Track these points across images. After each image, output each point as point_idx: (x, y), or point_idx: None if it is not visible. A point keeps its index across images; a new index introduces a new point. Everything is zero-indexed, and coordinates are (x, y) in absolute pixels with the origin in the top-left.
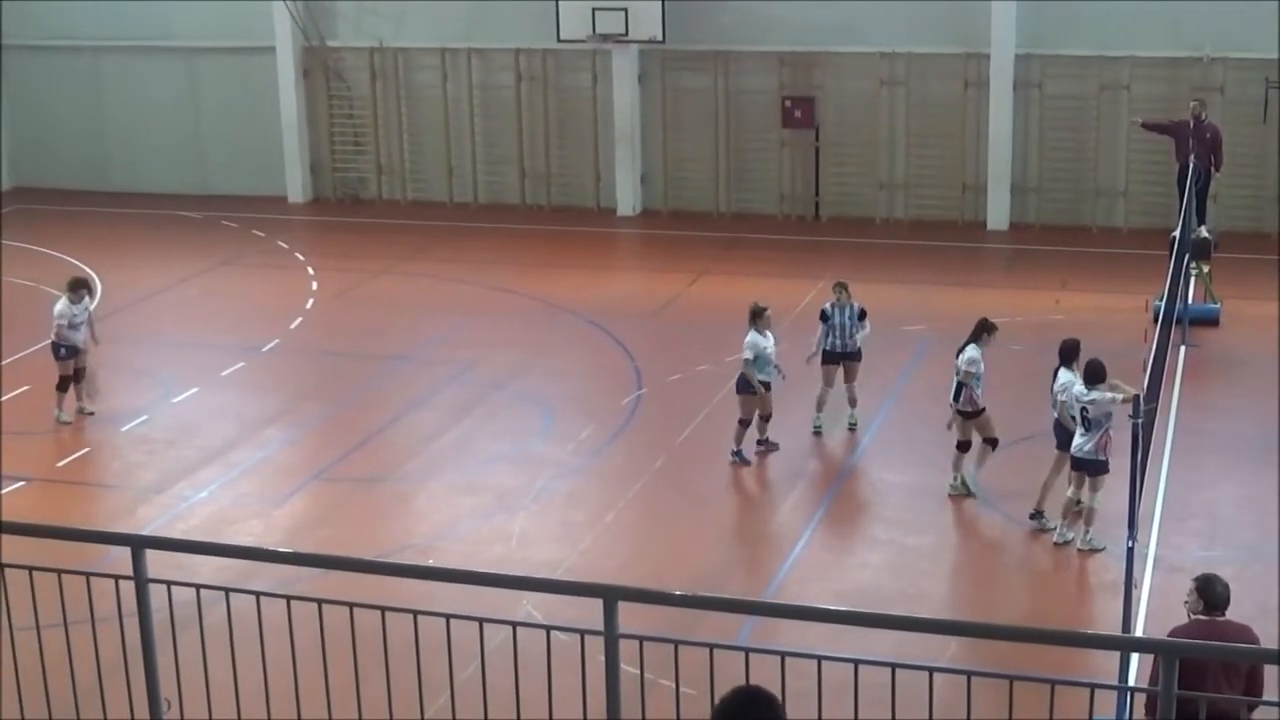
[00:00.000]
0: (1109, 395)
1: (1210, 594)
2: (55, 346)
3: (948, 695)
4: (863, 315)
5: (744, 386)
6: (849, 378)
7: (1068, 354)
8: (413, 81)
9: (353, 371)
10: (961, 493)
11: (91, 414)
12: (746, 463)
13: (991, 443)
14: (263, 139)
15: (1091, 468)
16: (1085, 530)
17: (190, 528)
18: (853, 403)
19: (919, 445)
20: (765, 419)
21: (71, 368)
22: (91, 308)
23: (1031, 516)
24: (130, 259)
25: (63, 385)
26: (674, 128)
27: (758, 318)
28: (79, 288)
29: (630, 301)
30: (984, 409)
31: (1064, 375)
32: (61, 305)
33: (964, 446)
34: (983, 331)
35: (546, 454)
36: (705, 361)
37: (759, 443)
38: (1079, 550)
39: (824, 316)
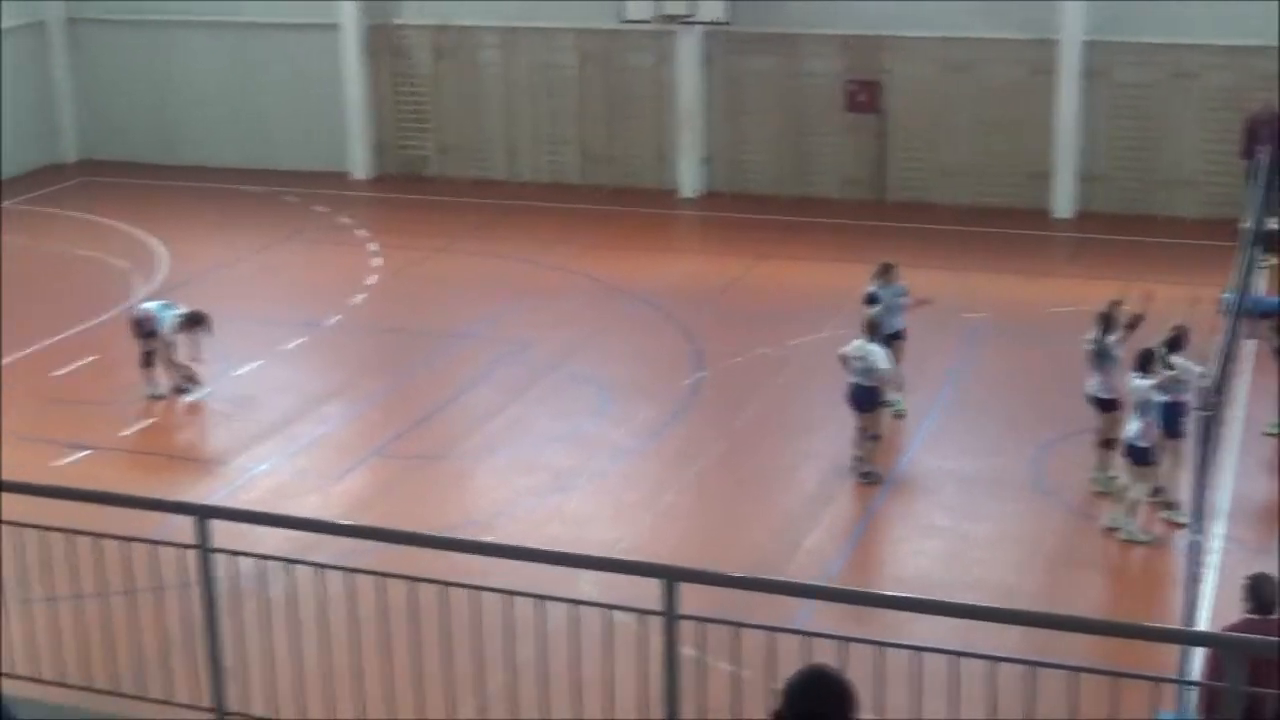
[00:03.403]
0: (1148, 381)
1: (1260, 593)
2: (138, 324)
3: (1009, 685)
4: (905, 294)
5: (876, 400)
6: (897, 359)
7: (1172, 343)
8: (476, 60)
9: (413, 348)
10: (1105, 489)
11: (163, 396)
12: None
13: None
14: (327, 115)
15: (1137, 456)
16: (1129, 520)
17: (251, 500)
18: (899, 387)
19: (978, 432)
20: (874, 438)
21: (152, 344)
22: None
23: (1166, 508)
24: (194, 233)
25: (146, 360)
26: (737, 110)
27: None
28: (199, 324)
29: (691, 283)
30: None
31: (1180, 361)
32: (171, 325)
33: (1110, 444)
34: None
35: (604, 434)
36: (766, 345)
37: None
38: (1121, 541)
39: (872, 299)
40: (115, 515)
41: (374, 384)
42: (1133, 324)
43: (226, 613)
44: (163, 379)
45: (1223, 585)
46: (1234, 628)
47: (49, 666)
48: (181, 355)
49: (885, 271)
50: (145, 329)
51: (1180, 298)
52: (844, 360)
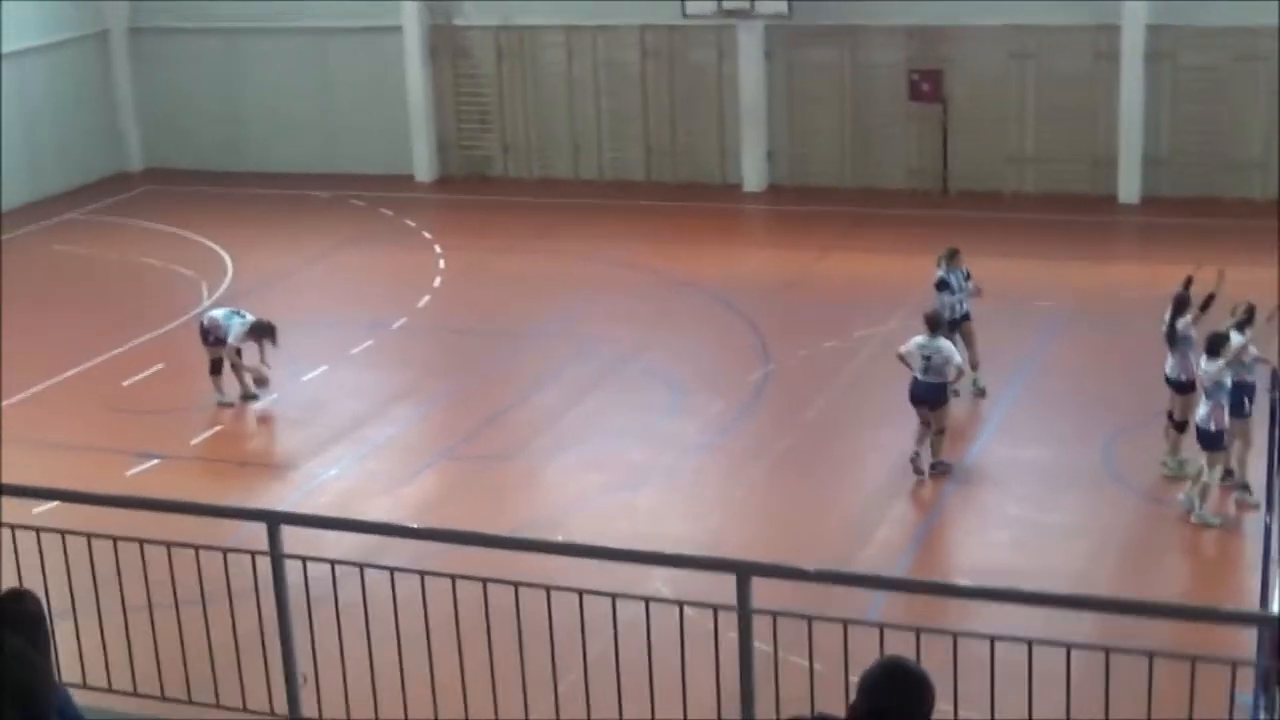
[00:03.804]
0: (1218, 364)
1: None
2: (205, 332)
3: (1084, 673)
4: (968, 277)
5: (944, 395)
6: (969, 342)
7: (1241, 321)
8: (538, 59)
9: (480, 349)
10: (1175, 473)
11: (231, 403)
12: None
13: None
14: (390, 118)
15: (1206, 440)
16: (1200, 504)
17: (321, 505)
18: (975, 365)
19: (1049, 421)
20: (940, 432)
21: (219, 353)
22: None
23: (1238, 490)
24: (260, 238)
25: (215, 368)
26: (800, 103)
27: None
28: (266, 335)
29: (757, 277)
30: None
31: (1235, 338)
32: (238, 333)
33: (1182, 427)
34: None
35: (674, 430)
36: (832, 338)
37: (935, 464)
38: (1192, 524)
39: (944, 285)
40: (184, 523)
41: (441, 386)
42: (1206, 304)
43: (298, 619)
44: (231, 386)
45: None
46: None
47: (120, 676)
48: (248, 362)
49: (952, 256)
50: (213, 336)
51: (1247, 280)
52: (906, 359)
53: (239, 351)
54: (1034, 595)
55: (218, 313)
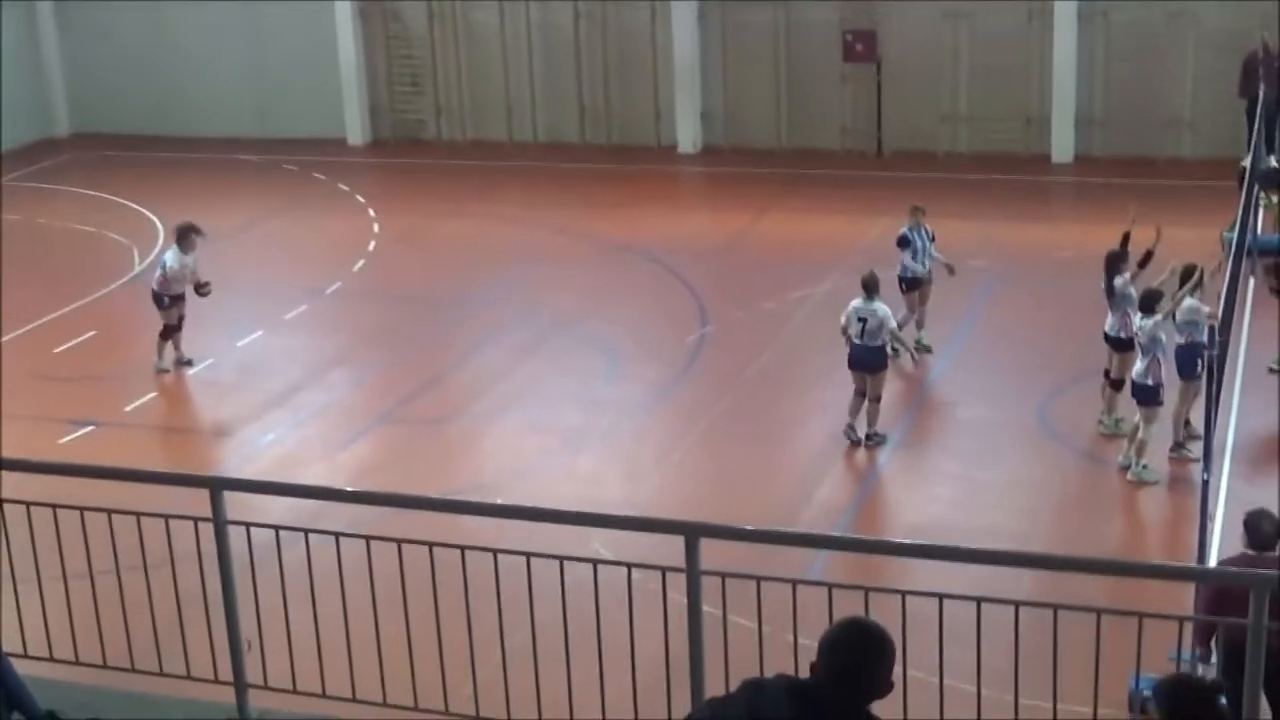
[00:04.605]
0: (1154, 319)
1: (1256, 532)
2: (158, 296)
3: (1027, 630)
4: (932, 239)
5: (883, 359)
6: (923, 300)
7: (1196, 284)
8: (470, 22)
9: (416, 313)
10: (1111, 431)
11: (189, 363)
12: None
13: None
14: (321, 81)
15: (1143, 395)
16: (1137, 461)
17: (258, 470)
18: (920, 324)
19: (986, 380)
20: (875, 400)
21: (175, 316)
22: (194, 267)
23: (1172, 449)
24: (191, 203)
25: (165, 334)
26: (734, 64)
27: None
28: (191, 234)
29: (693, 239)
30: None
31: (1188, 301)
32: (172, 256)
33: (1119, 385)
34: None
35: (613, 393)
36: (769, 299)
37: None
38: (1129, 482)
39: (906, 241)
40: (119, 490)
41: (378, 350)
42: (1144, 261)
43: (241, 585)
44: (169, 354)
45: (1232, 521)
46: (1231, 561)
47: (62, 645)
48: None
49: (916, 213)
50: (166, 297)
51: (1180, 239)
52: (845, 328)
53: (184, 275)
54: (984, 553)
55: (166, 263)
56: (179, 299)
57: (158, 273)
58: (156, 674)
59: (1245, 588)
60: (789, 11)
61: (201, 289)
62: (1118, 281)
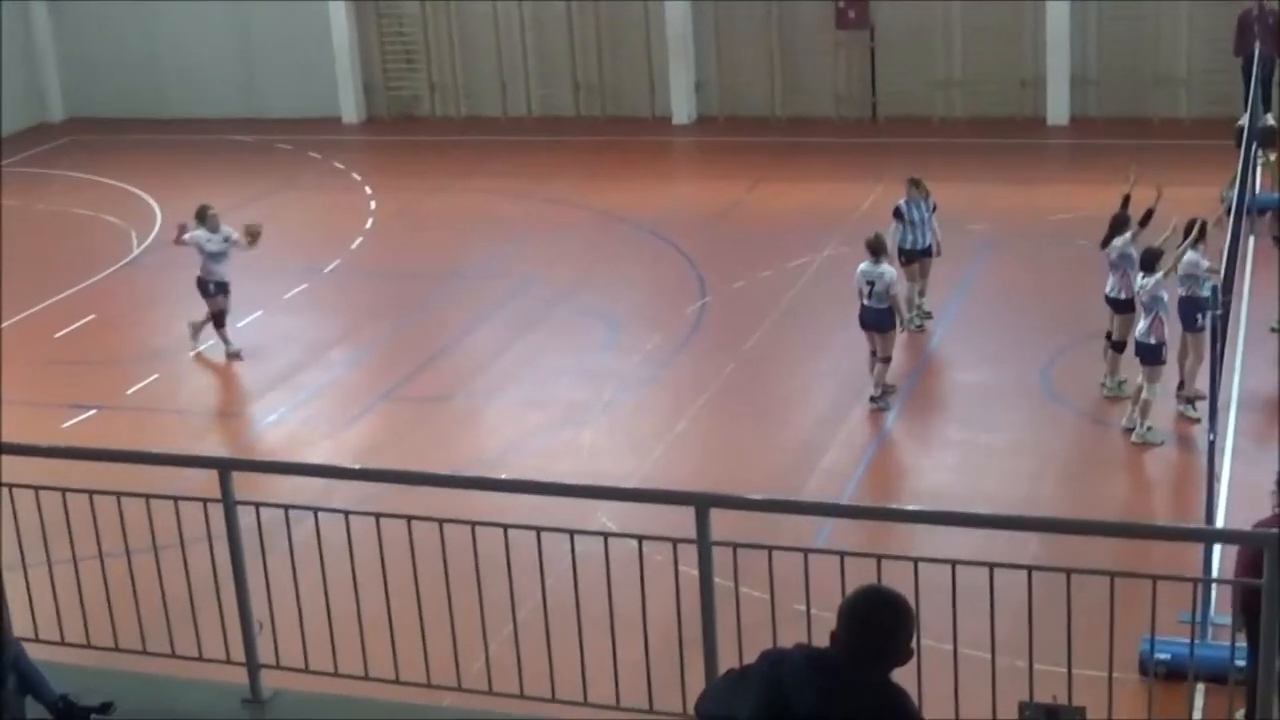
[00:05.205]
0: (1155, 278)
1: None
2: (202, 283)
3: (1039, 594)
4: (934, 210)
5: (890, 321)
6: (923, 273)
7: (1195, 238)
8: None
9: (415, 290)
10: (1114, 393)
11: (238, 353)
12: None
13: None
14: (314, 60)
15: (1146, 354)
16: (1141, 422)
17: (262, 451)
18: (922, 293)
19: (987, 344)
20: (885, 360)
21: (221, 304)
22: (233, 235)
23: (1183, 404)
24: (188, 185)
25: (218, 321)
26: (727, 34)
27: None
28: (208, 211)
29: (690, 210)
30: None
31: (1189, 255)
32: (202, 237)
33: (1121, 347)
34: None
35: (613, 366)
36: (767, 267)
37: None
38: (1133, 444)
39: (898, 214)
40: (125, 472)
41: (378, 328)
42: (1145, 220)
43: (252, 565)
44: (230, 335)
45: (1238, 482)
46: (1266, 523)
47: (73, 629)
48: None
49: (915, 186)
50: (207, 284)
51: (1178, 198)
52: (859, 290)
53: (227, 288)
54: (998, 518)
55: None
56: (224, 287)
57: (203, 270)
58: (169, 656)
59: None
60: None
61: (251, 236)
62: (1117, 242)
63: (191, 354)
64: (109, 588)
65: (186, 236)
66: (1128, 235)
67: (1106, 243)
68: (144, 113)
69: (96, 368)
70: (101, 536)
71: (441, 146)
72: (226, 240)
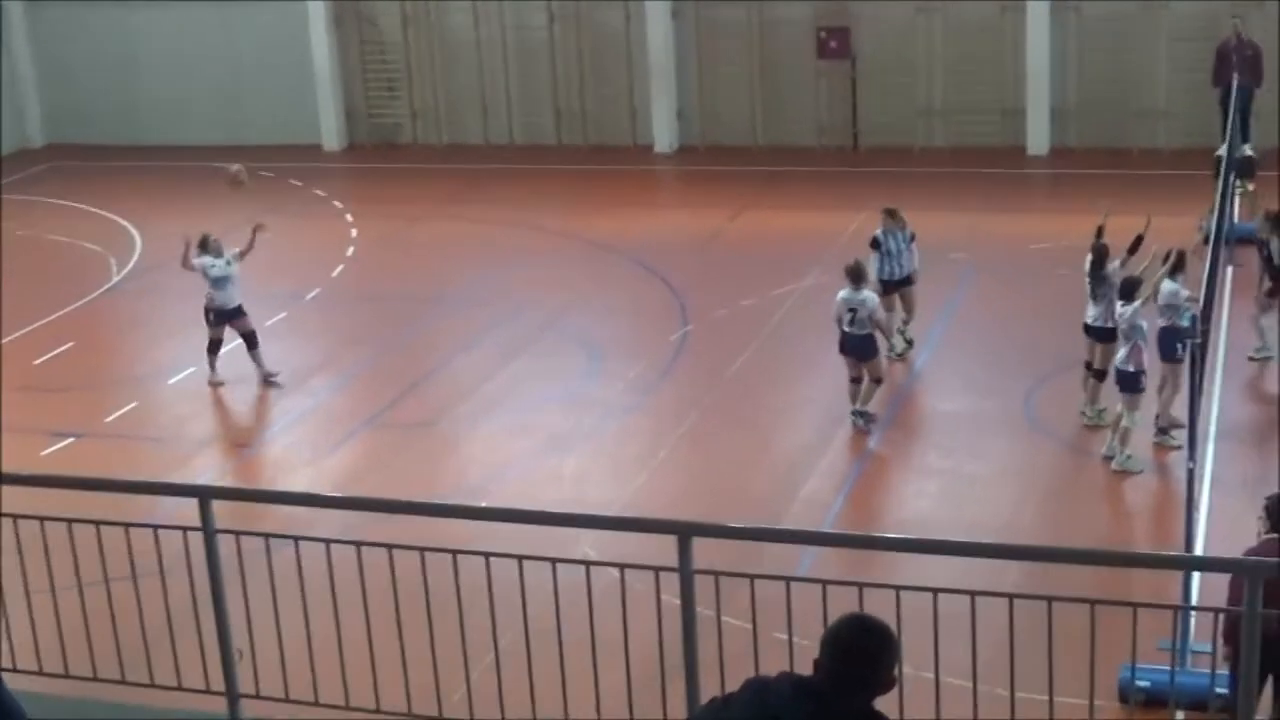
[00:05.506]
0: (1133, 306)
1: (1279, 515)
2: (205, 311)
3: (1020, 621)
4: (912, 239)
5: (874, 346)
6: (905, 302)
7: (1174, 267)
8: (445, 25)
9: (397, 317)
10: (1095, 422)
11: (274, 377)
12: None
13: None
14: (296, 87)
15: (1125, 382)
16: (1121, 450)
17: (243, 479)
18: (906, 321)
19: (968, 372)
20: (876, 382)
21: (222, 331)
22: (235, 254)
23: (1159, 434)
24: (168, 212)
25: (212, 348)
26: (709, 63)
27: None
28: (208, 239)
29: (672, 238)
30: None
31: (1167, 285)
32: (209, 263)
33: (1102, 375)
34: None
35: (596, 394)
36: (750, 296)
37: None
38: (1113, 471)
39: (875, 244)
40: (102, 500)
41: (360, 355)
42: (1133, 248)
43: (231, 594)
44: (262, 361)
45: (1217, 509)
46: (1257, 549)
47: (51, 659)
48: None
49: (890, 216)
50: (208, 312)
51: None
52: (837, 318)
53: (228, 315)
54: (981, 547)
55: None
56: (225, 315)
57: (210, 296)
58: (148, 685)
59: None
60: (762, 9)
61: (250, 246)
62: (1109, 269)
63: (208, 384)
64: (87, 617)
65: (195, 262)
66: (1116, 263)
67: (1097, 272)
68: (125, 139)
69: (75, 395)
70: (80, 565)
71: (423, 174)
72: (229, 263)
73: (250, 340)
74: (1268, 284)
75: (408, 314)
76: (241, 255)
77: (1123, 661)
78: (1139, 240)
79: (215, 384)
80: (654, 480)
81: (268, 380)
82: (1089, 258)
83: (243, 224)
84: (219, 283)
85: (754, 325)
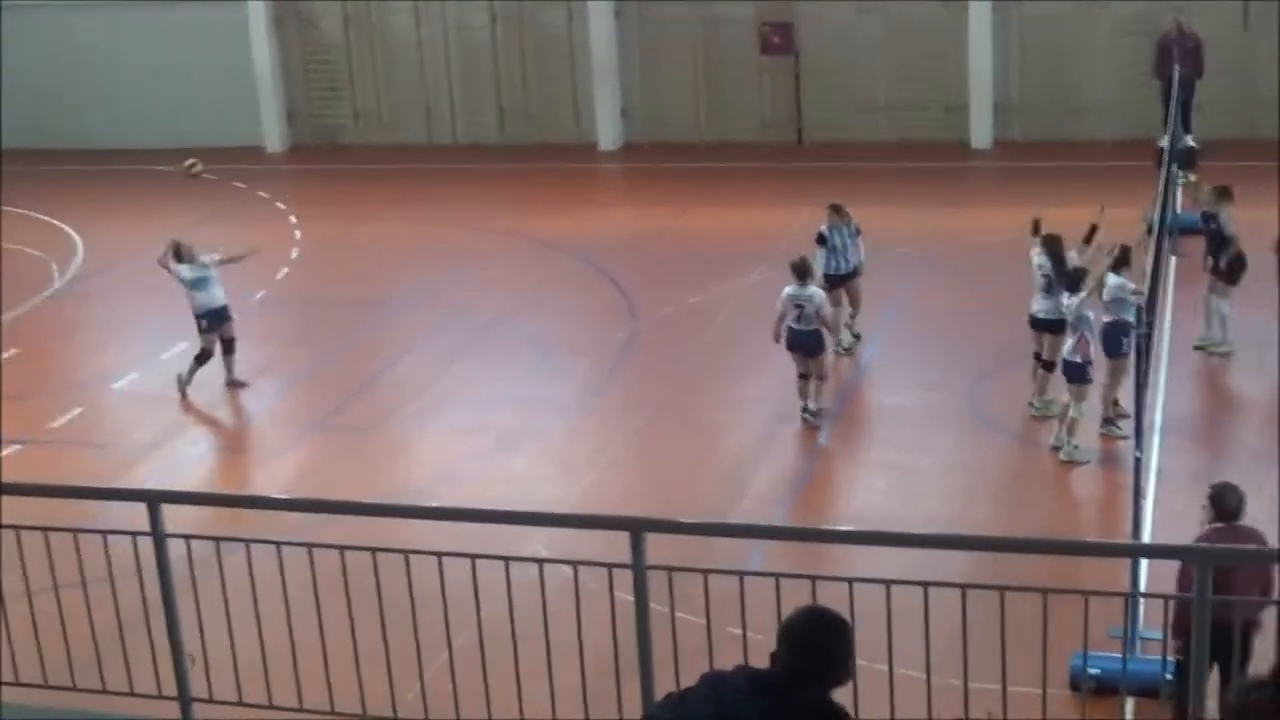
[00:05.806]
0: (1079, 297)
1: (1222, 504)
2: (196, 319)
3: (973, 612)
4: (857, 233)
5: (821, 342)
6: (852, 296)
7: (1118, 261)
8: (386, 25)
9: (343, 319)
10: (1042, 413)
11: (245, 385)
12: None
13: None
14: (237, 89)
15: (1072, 373)
16: (1068, 440)
17: (189, 483)
18: (852, 315)
19: (916, 366)
20: (822, 379)
21: (215, 340)
22: (213, 258)
23: (1101, 426)
24: (110, 217)
25: (201, 357)
26: (652, 60)
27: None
28: (178, 246)
29: (617, 236)
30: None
31: (1112, 279)
32: (186, 271)
33: (1051, 367)
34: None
35: (543, 393)
36: (696, 293)
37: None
38: (1061, 462)
39: (821, 239)
40: (47, 506)
41: (306, 357)
42: (1089, 237)
43: (182, 598)
44: (234, 366)
45: (1165, 499)
46: (1204, 537)
47: (3, 667)
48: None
49: (836, 212)
50: (199, 319)
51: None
52: (782, 315)
53: (219, 319)
54: (935, 538)
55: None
56: (217, 318)
57: (195, 301)
58: (99, 691)
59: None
60: (705, 7)
61: (237, 259)
62: (1079, 258)
63: (177, 389)
64: (37, 624)
65: (172, 266)
66: (1073, 252)
67: (1058, 264)
68: (65, 143)
69: (20, 402)
70: (29, 573)
71: (367, 175)
72: (206, 266)
73: (229, 346)
74: (1213, 263)
75: (354, 316)
76: (222, 262)
77: (1074, 650)
78: (1094, 229)
79: (184, 392)
80: (604, 478)
81: (233, 383)
82: (1037, 251)
83: (184, 227)
84: (198, 284)
85: (701, 322)
